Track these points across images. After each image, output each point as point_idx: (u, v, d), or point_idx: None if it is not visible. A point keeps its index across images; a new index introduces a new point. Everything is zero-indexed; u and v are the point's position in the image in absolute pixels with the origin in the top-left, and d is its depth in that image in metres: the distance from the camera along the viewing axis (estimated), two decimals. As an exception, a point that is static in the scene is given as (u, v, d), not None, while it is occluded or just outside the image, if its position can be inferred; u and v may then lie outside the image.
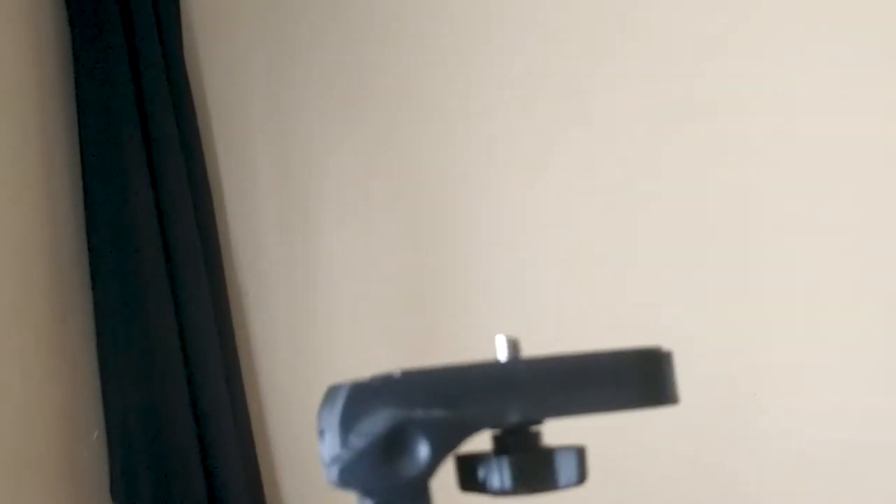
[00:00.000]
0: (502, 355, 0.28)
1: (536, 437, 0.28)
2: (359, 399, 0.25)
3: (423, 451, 0.24)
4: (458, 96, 1.72)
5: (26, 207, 1.64)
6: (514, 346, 0.28)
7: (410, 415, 0.24)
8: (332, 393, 0.27)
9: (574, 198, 1.66)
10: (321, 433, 0.27)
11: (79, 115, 1.70)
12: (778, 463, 1.58)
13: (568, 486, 0.27)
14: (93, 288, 1.69)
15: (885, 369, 1.52)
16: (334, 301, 1.79)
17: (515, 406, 0.26)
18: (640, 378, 0.27)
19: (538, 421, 0.28)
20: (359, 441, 0.24)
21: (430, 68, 1.73)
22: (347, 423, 0.25)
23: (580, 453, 0.28)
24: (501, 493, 0.26)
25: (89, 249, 1.69)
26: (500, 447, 0.28)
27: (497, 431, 0.28)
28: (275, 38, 1.83)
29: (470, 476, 0.27)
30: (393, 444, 0.24)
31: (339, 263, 1.79)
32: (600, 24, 1.65)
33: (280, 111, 1.83)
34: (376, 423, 0.24)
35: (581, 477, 0.28)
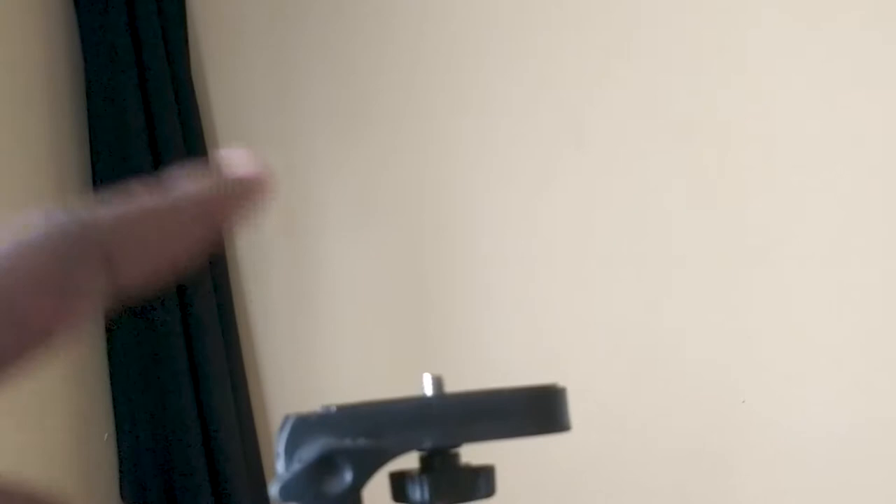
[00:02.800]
0: (427, 391, 0.35)
1: (455, 457, 0.35)
2: (300, 429, 0.32)
3: (347, 474, 0.31)
4: (461, 109, 1.77)
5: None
6: (438, 382, 0.35)
7: (339, 444, 0.31)
8: (284, 422, 0.33)
9: (573, 210, 1.71)
10: (276, 456, 0.34)
11: (91, 141, 1.76)
12: (769, 460, 1.62)
13: (479, 499, 0.34)
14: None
15: (872, 370, 1.57)
16: (337, 308, 1.85)
17: (428, 435, 0.32)
18: (536, 410, 0.34)
19: (452, 446, 0.34)
20: (296, 465, 0.31)
21: (432, 81, 1.79)
22: (290, 449, 0.32)
23: (489, 472, 0.35)
24: None
25: None
26: (424, 466, 0.34)
27: (423, 453, 0.35)
28: (279, 47, 1.89)
29: (399, 491, 0.34)
30: (323, 469, 0.31)
31: (342, 272, 1.85)
32: (599, 45, 1.70)
33: (284, 120, 1.89)
34: (311, 450, 0.31)
35: (490, 492, 0.35)
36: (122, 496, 1.79)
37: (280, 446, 0.32)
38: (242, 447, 1.80)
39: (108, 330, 1.75)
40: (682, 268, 1.66)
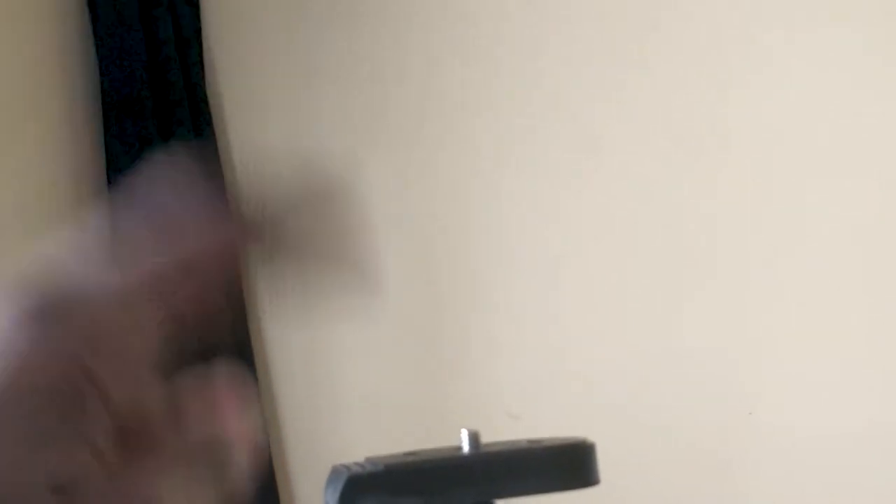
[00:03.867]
0: (465, 447, 0.38)
1: None
2: (354, 486, 0.35)
3: (402, 529, 0.34)
4: (477, 115, 1.80)
5: (56, 226, 1.73)
6: (475, 439, 0.38)
7: (392, 501, 0.34)
8: (334, 477, 0.37)
9: (589, 216, 1.74)
10: (324, 508, 0.37)
11: (106, 145, 1.78)
12: (776, 468, 1.65)
13: None
14: None
15: (880, 379, 1.59)
16: (349, 319, 1.88)
17: (469, 493, 0.36)
18: (568, 467, 0.37)
19: (490, 501, 0.37)
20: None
21: (448, 89, 1.81)
22: (346, 505, 0.35)
23: None
24: None
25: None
26: (465, 521, 0.38)
27: (462, 505, 0.38)
28: (294, 53, 1.91)
29: (442, 542, 0.37)
30: (382, 525, 0.34)
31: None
32: (615, 51, 1.72)
33: (298, 128, 1.91)
34: (368, 506, 0.34)
35: None
36: None
37: (331, 500, 0.35)
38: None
39: None
40: (695, 275, 1.69)
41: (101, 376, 0.24)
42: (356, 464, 0.36)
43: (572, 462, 0.38)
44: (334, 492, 0.34)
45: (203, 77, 1.88)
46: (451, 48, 1.82)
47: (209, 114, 1.89)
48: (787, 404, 1.65)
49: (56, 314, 0.24)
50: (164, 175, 0.26)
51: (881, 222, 1.59)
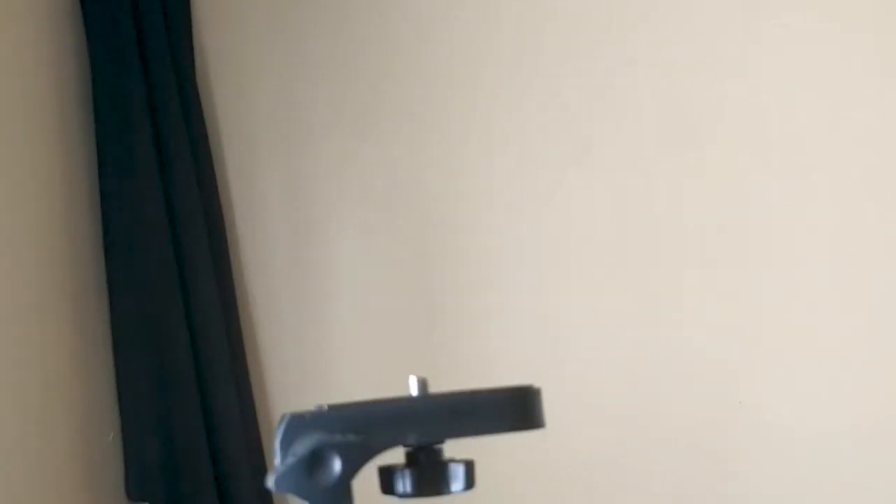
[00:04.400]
0: (413, 391, 0.38)
1: (438, 452, 0.38)
2: (295, 426, 0.36)
3: (336, 466, 0.34)
4: (468, 114, 1.81)
5: (48, 222, 1.74)
6: (423, 384, 0.39)
7: (329, 439, 0.35)
8: (280, 420, 0.37)
9: (579, 214, 1.75)
10: (274, 451, 0.37)
11: (98, 146, 1.79)
12: (767, 459, 1.66)
13: (457, 491, 0.38)
14: (109, 297, 1.79)
15: (870, 371, 1.60)
16: (342, 309, 1.89)
17: (412, 432, 0.36)
18: (512, 409, 0.38)
19: (435, 442, 0.38)
20: (291, 458, 0.34)
21: (439, 86, 1.82)
22: (285, 444, 0.35)
23: (469, 466, 0.38)
24: (406, 496, 0.37)
25: (106, 260, 1.79)
26: (409, 460, 0.38)
27: (408, 448, 0.38)
28: (284, 51, 1.93)
29: (386, 483, 0.38)
30: (314, 461, 0.34)
31: (347, 274, 1.88)
32: (605, 51, 1.73)
33: (289, 124, 1.92)
34: (305, 444, 0.35)
35: (469, 484, 0.38)
36: (128, 494, 1.81)
37: (277, 442, 0.35)
38: (246, 446, 1.84)
39: (114, 331, 1.79)
40: (686, 269, 1.70)
41: None
42: (305, 410, 0.37)
43: (516, 405, 0.38)
44: (277, 433, 0.35)
45: (193, 73, 1.89)
46: (442, 44, 1.83)
47: (200, 108, 1.90)
48: (778, 396, 1.66)
49: None
50: None
51: (879, 213, 1.60)
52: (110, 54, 1.78)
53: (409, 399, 0.38)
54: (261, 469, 1.90)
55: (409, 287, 1.85)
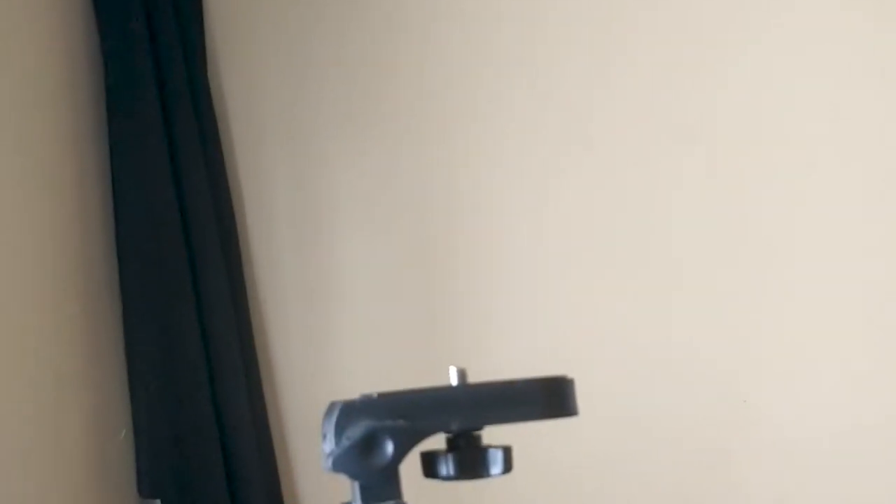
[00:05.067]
0: (453, 381, 0.41)
1: (477, 438, 0.41)
2: (348, 413, 0.39)
3: (388, 449, 0.37)
4: (470, 110, 1.83)
5: (61, 223, 1.76)
6: (462, 374, 0.41)
7: (381, 424, 0.37)
8: (331, 408, 0.40)
9: (580, 211, 1.77)
10: (323, 436, 0.40)
11: (110, 146, 1.81)
12: (772, 459, 1.68)
13: (496, 474, 0.41)
14: (122, 296, 1.81)
15: (875, 371, 1.62)
16: (348, 306, 1.92)
17: (455, 418, 0.39)
18: (548, 397, 0.40)
19: (476, 428, 0.41)
20: (346, 441, 0.37)
21: (441, 83, 1.84)
22: (339, 430, 0.38)
23: (506, 451, 0.41)
24: (449, 478, 0.39)
25: (118, 259, 1.81)
26: (450, 446, 0.41)
27: (449, 434, 0.41)
28: (292, 49, 1.95)
29: (429, 467, 0.41)
30: (368, 444, 0.37)
31: (354, 271, 1.91)
32: (604, 48, 1.75)
33: (297, 122, 1.95)
34: (358, 429, 0.38)
35: (507, 468, 0.41)
36: (140, 492, 1.83)
37: (329, 427, 0.38)
38: (257, 443, 1.87)
39: (126, 328, 1.81)
40: (687, 269, 1.71)
41: None
42: (355, 398, 0.39)
43: (551, 393, 0.41)
44: (329, 419, 0.37)
45: (205, 73, 1.92)
46: (444, 42, 1.85)
47: (212, 108, 1.92)
48: (782, 395, 1.68)
49: None
50: None
51: (881, 214, 1.62)
52: (123, 54, 1.80)
53: (452, 388, 0.40)
54: (271, 466, 1.93)
55: (416, 286, 1.87)
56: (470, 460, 0.39)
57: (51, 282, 1.73)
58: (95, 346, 1.81)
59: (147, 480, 1.81)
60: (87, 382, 1.80)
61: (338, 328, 1.93)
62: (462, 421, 0.39)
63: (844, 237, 1.63)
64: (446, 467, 0.39)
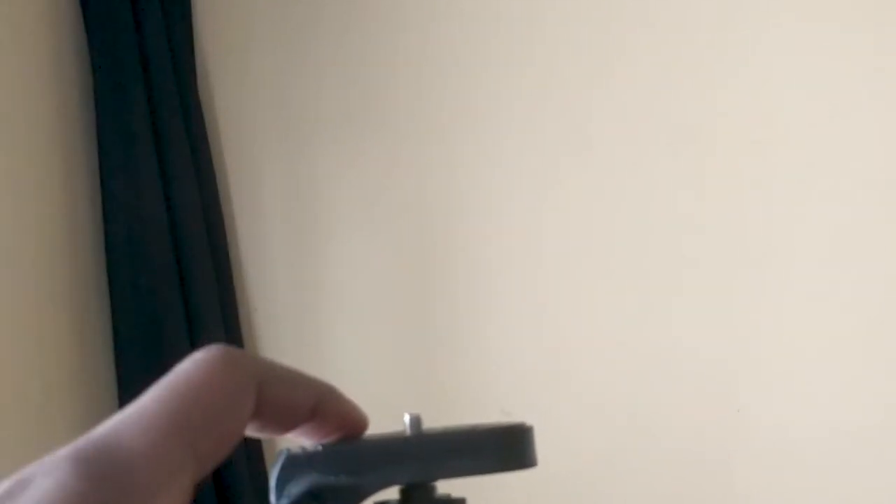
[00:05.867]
0: (407, 429, 0.39)
1: (431, 490, 0.39)
2: (290, 466, 0.37)
3: (330, 508, 0.35)
4: (466, 113, 1.82)
5: (50, 223, 1.76)
6: (416, 422, 0.40)
7: (324, 480, 0.36)
8: (277, 457, 0.38)
9: (577, 213, 1.76)
10: (269, 489, 0.39)
11: (99, 147, 1.81)
12: (766, 465, 1.67)
13: None
14: (110, 299, 1.81)
15: (869, 376, 1.61)
16: (342, 312, 1.91)
17: (404, 473, 0.37)
18: (505, 449, 0.39)
19: (427, 482, 0.39)
20: (285, 499, 0.36)
21: (436, 85, 1.84)
22: (280, 485, 0.36)
23: (461, 502, 0.39)
24: None
25: (107, 261, 1.80)
26: (403, 499, 0.39)
27: (402, 487, 0.39)
28: (285, 51, 1.94)
29: (380, 519, 0.39)
30: (310, 502, 0.36)
31: (347, 276, 1.90)
32: (602, 49, 1.74)
33: (290, 125, 1.94)
34: (298, 486, 0.36)
35: None
36: None
37: (272, 481, 0.36)
38: (246, 452, 1.86)
39: (115, 333, 1.81)
40: (686, 270, 1.71)
41: None
42: (300, 447, 0.38)
43: (509, 444, 0.39)
44: (274, 470, 0.36)
45: (194, 73, 1.91)
46: (440, 44, 1.84)
47: (200, 108, 1.91)
48: (776, 401, 1.67)
49: (99, 468, 0.30)
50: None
51: (871, 219, 1.61)
52: (111, 55, 1.80)
53: (402, 438, 0.39)
54: (258, 461, 1.93)
55: (413, 289, 1.86)
56: (417, 513, 0.38)
57: (39, 284, 1.73)
58: (84, 349, 1.81)
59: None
60: (75, 386, 1.80)
61: (331, 336, 1.92)
62: (412, 475, 0.38)
63: (842, 240, 1.61)
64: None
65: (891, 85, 1.59)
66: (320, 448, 0.36)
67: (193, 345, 1.83)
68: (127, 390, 1.81)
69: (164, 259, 1.81)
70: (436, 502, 0.37)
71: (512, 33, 1.79)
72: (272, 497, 0.35)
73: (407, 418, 0.38)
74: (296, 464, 0.35)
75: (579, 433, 1.74)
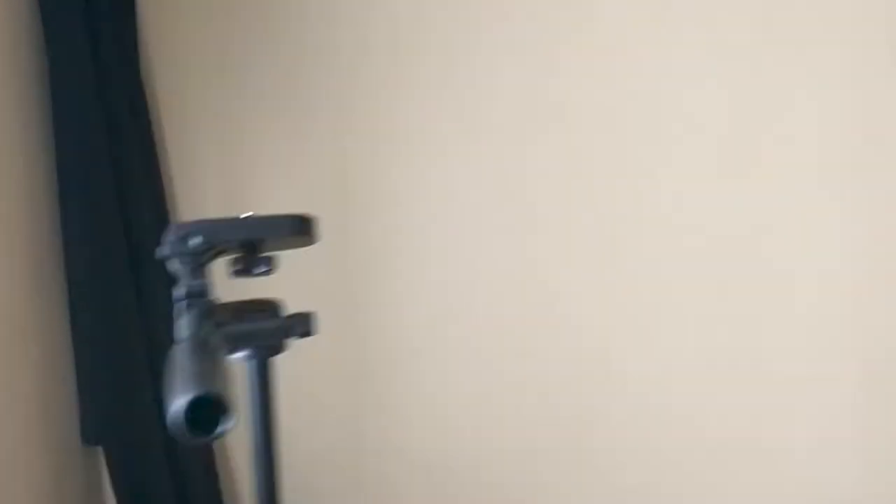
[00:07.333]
0: (245, 214, 0.73)
1: (257, 250, 0.73)
2: (183, 227, 0.70)
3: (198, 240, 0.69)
4: (382, 93, 2.03)
5: (11, 213, 1.87)
6: (250, 215, 0.73)
7: (196, 227, 0.69)
8: (175, 227, 0.72)
9: (469, 183, 1.97)
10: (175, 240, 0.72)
11: (56, 138, 1.97)
12: (627, 410, 1.89)
13: (265, 273, 0.73)
14: (65, 267, 1.99)
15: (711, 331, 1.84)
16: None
17: (234, 237, 0.71)
18: (298, 225, 0.72)
19: (253, 245, 0.73)
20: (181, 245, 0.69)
21: (359, 87, 2.06)
22: (176, 238, 0.71)
23: (274, 259, 0.74)
24: (238, 274, 0.71)
25: (64, 244, 1.98)
26: (242, 254, 0.73)
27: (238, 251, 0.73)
28: (224, 41, 2.13)
29: (232, 267, 0.73)
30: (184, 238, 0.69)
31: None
32: (472, 33, 1.95)
33: (230, 115, 2.14)
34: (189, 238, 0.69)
35: (272, 270, 0.73)
36: (84, 439, 2.01)
37: (172, 234, 0.69)
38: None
39: (70, 288, 1.97)
40: (564, 240, 1.91)
41: None
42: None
43: (301, 223, 0.72)
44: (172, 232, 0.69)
45: (138, 60, 2.10)
46: (373, 29, 2.02)
47: (145, 99, 2.11)
48: (645, 357, 1.87)
49: None
50: None
51: (725, 202, 1.81)
52: (65, 49, 1.94)
53: (241, 218, 0.72)
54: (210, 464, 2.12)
55: (327, 241, 2.08)
56: (249, 262, 0.71)
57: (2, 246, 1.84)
58: (40, 301, 1.93)
59: (90, 428, 1.99)
60: (34, 336, 1.91)
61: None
62: (243, 237, 0.71)
63: (704, 226, 1.81)
64: (234, 266, 0.71)
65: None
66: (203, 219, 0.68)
67: (140, 300, 2.03)
68: (80, 340, 1.97)
69: (115, 235, 1.99)
70: (257, 258, 0.70)
71: (408, 25, 2.00)
72: (168, 240, 0.67)
73: (246, 213, 0.71)
74: (185, 225, 0.67)
75: (457, 377, 1.96)
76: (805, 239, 1.76)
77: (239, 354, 0.72)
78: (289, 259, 2.05)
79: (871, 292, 1.73)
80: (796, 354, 1.77)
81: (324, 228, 1.99)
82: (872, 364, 1.72)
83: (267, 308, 0.72)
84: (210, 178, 2.18)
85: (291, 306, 2.03)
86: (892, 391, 1.74)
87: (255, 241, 0.71)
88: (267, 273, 0.70)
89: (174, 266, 0.67)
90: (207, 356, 0.60)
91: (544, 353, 1.93)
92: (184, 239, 0.67)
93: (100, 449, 2.05)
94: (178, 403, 0.55)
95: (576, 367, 1.91)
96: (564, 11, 1.88)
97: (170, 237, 0.68)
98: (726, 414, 1.83)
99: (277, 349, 0.71)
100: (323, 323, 2.08)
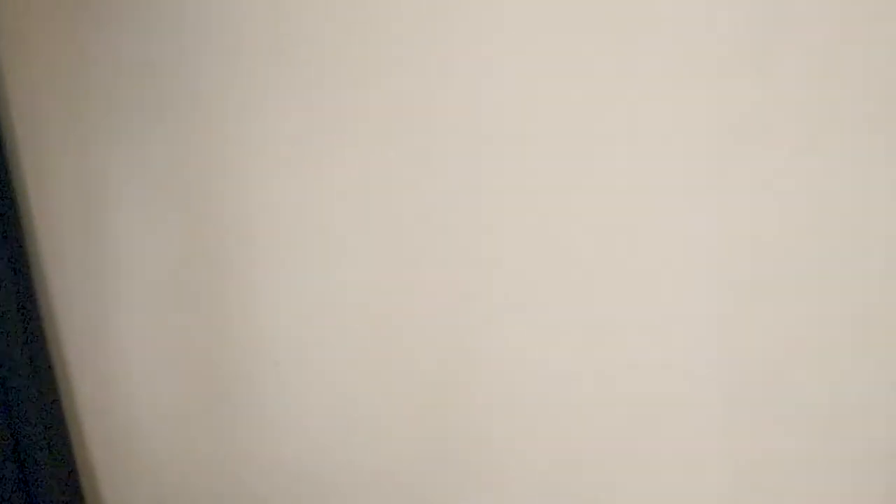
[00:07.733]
0: None
1: None
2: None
3: None
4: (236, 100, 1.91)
5: None
6: None
7: None
8: None
9: (337, 180, 1.86)
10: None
11: None
12: (492, 385, 1.81)
13: None
14: None
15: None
16: (133, 296, 2.01)
17: None
18: None
19: None
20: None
21: (215, 88, 1.94)
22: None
23: None
24: None
25: None
26: None
27: None
28: (71, 50, 2.00)
29: None
30: None
31: (136, 262, 2.01)
32: (333, 23, 1.82)
33: (78, 122, 2.01)
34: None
35: None
36: None
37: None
38: (45, 429, 1.93)
39: None
40: (431, 236, 1.82)
41: None
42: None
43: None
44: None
45: None
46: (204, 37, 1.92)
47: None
48: (506, 334, 1.80)
49: None
50: None
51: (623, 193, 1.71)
52: None
53: None
54: (64, 454, 2.00)
55: (188, 270, 1.96)
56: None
57: None
58: None
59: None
60: None
61: (123, 317, 2.01)
62: None
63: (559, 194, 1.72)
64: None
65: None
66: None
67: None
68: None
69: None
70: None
71: (270, 37, 1.88)
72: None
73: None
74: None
75: (333, 366, 1.87)
76: (665, 249, 1.69)
77: None
78: (153, 264, 2.00)
79: (733, 313, 1.69)
80: (657, 372, 1.71)
81: (187, 233, 1.95)
82: (734, 386, 1.68)
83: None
84: (64, 181, 2.03)
85: (157, 315, 1.97)
86: (754, 414, 1.71)
87: None
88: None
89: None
90: None
91: (408, 338, 1.86)
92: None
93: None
94: None
95: (439, 348, 1.84)
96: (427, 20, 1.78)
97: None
98: (597, 427, 1.77)
99: None
100: (189, 331, 2.01)
